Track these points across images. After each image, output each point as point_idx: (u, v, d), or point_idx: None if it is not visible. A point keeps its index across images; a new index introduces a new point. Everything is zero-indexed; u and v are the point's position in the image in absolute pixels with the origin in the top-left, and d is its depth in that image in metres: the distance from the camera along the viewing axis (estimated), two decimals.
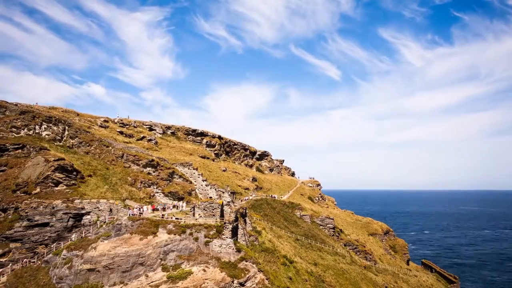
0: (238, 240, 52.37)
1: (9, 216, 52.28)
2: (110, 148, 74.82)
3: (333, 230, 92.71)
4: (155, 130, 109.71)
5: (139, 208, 54.17)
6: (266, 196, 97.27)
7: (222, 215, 52.79)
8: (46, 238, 51.33)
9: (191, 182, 78.22)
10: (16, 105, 72.55)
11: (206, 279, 43.24)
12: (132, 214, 51.16)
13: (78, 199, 55.52)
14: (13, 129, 67.33)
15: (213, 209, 52.61)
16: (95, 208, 54.75)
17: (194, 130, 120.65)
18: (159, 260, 44.76)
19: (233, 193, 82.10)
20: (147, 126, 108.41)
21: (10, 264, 47.85)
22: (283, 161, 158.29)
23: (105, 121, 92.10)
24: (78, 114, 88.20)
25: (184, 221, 49.61)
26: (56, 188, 57.01)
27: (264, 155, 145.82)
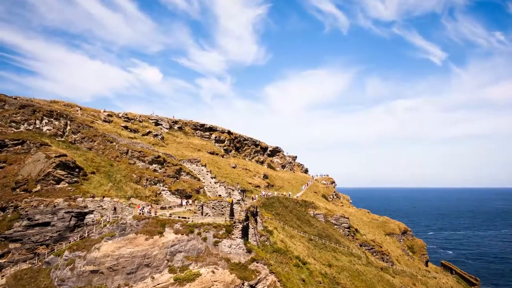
0: (249, 240, 50.92)
1: (9, 215, 50.81)
2: (114, 143, 72.77)
3: (348, 229, 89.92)
4: (161, 124, 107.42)
5: (148, 206, 52.13)
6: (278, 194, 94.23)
7: (231, 214, 51.10)
8: (47, 238, 49.73)
9: (199, 180, 75.91)
10: (15, 98, 71.24)
11: (215, 281, 41.75)
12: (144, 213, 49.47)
13: (81, 197, 53.86)
14: (12, 124, 65.69)
15: (222, 208, 51.08)
16: (98, 206, 53.23)
17: (202, 125, 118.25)
18: (166, 261, 43.36)
19: (243, 191, 79.76)
20: (153, 121, 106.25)
21: (10, 266, 46.23)
22: (296, 157, 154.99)
23: (109, 115, 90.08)
24: (80, 108, 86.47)
25: (192, 221, 48.10)
26: (58, 186, 55.22)
27: (275, 151, 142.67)
